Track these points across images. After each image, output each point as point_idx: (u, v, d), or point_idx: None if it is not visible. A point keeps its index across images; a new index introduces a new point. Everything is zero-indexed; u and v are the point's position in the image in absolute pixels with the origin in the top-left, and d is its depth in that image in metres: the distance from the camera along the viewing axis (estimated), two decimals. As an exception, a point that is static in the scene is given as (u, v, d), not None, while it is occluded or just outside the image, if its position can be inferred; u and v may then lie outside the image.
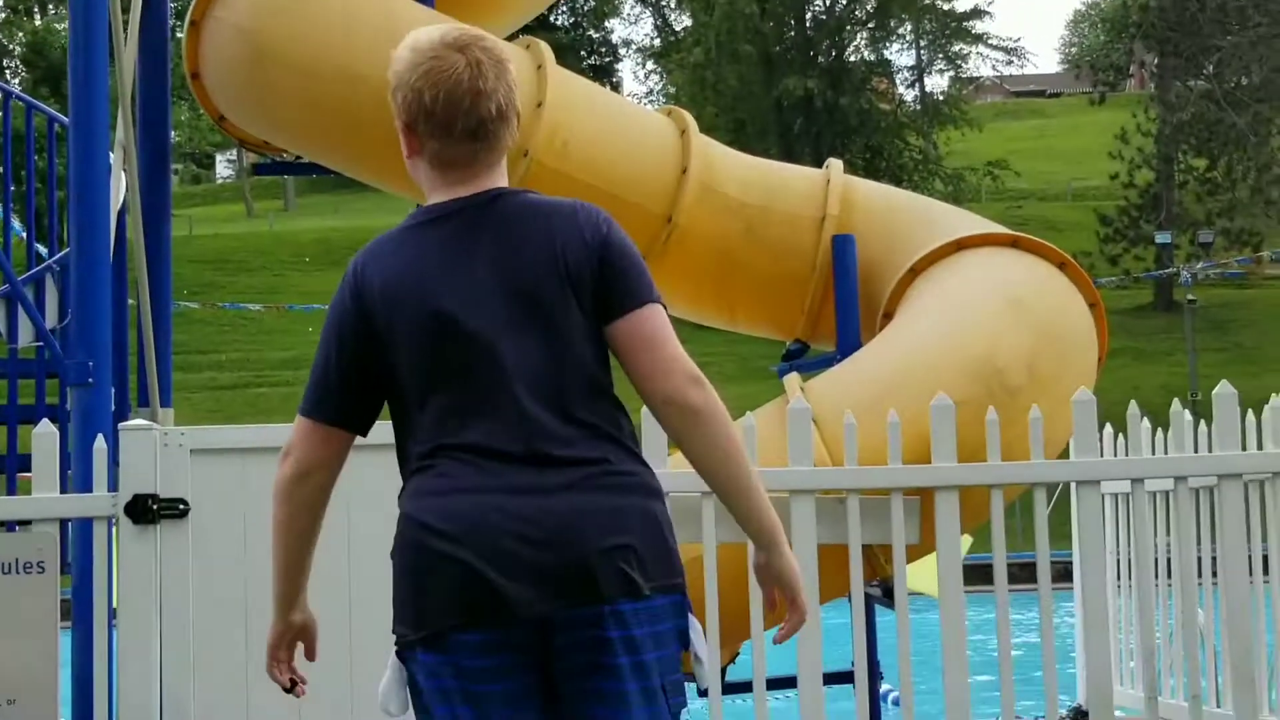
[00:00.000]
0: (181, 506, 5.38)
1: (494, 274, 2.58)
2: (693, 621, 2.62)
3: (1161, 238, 45.13)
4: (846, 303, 6.78)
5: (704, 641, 2.60)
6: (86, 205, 5.93)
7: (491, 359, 2.58)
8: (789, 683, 5.97)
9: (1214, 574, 6.06)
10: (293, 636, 2.84)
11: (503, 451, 2.55)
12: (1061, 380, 6.37)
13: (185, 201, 61.29)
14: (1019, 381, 6.31)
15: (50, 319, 6.59)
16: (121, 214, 6.74)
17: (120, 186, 6.74)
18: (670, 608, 2.56)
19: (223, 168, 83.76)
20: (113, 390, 6.05)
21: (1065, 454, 6.05)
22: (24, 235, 7.84)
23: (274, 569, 2.77)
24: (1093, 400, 5.73)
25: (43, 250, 7.72)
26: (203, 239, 56.23)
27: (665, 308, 2.66)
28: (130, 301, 7.15)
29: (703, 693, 5.96)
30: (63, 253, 6.76)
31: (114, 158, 6.41)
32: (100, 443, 5.54)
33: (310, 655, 2.79)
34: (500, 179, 2.69)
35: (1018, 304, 6.57)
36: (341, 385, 2.67)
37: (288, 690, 2.86)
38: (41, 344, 6.58)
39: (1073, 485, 5.86)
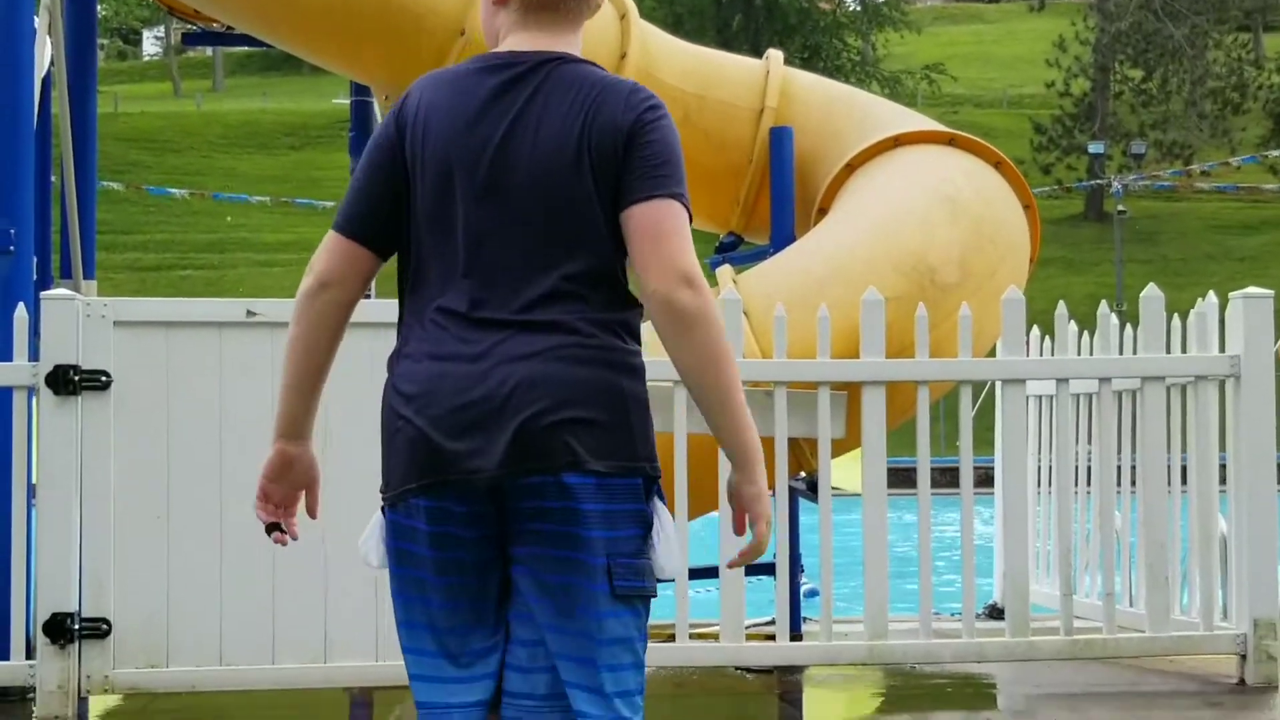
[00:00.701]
0: (104, 379, 5.31)
1: (522, 137, 2.53)
2: (658, 508, 2.57)
3: (1094, 147, 45.38)
4: (782, 196, 6.76)
5: (666, 532, 2.56)
6: (8, 67, 5.77)
7: (488, 222, 2.53)
8: (711, 573, 6.02)
9: (1133, 482, 6.15)
10: (287, 470, 2.73)
11: (477, 318, 2.52)
12: (993, 279, 6.39)
13: (111, 78, 60.13)
14: (950, 279, 6.33)
15: (-30, 185, 6.44)
16: (45, 84, 6.58)
17: (45, 54, 6.58)
18: (627, 490, 2.51)
19: (150, 44, 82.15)
20: (34, 260, 5.93)
21: (993, 354, 6.09)
22: None
23: (282, 386, 2.70)
24: (1022, 300, 5.76)
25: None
26: (129, 117, 55.29)
27: (689, 211, 2.59)
28: (53, 179, 7.01)
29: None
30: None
31: (39, 23, 6.24)
32: (21, 311, 5.45)
33: (312, 512, 2.68)
34: (573, 46, 2.65)
35: (952, 202, 6.58)
36: (371, 204, 2.59)
37: (268, 533, 2.75)
38: (-39, 210, 6.43)
39: (999, 384, 5.90)
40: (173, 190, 38.34)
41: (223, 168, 52.43)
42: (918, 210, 6.54)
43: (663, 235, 2.51)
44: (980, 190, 6.73)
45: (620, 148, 2.54)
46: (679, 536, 2.59)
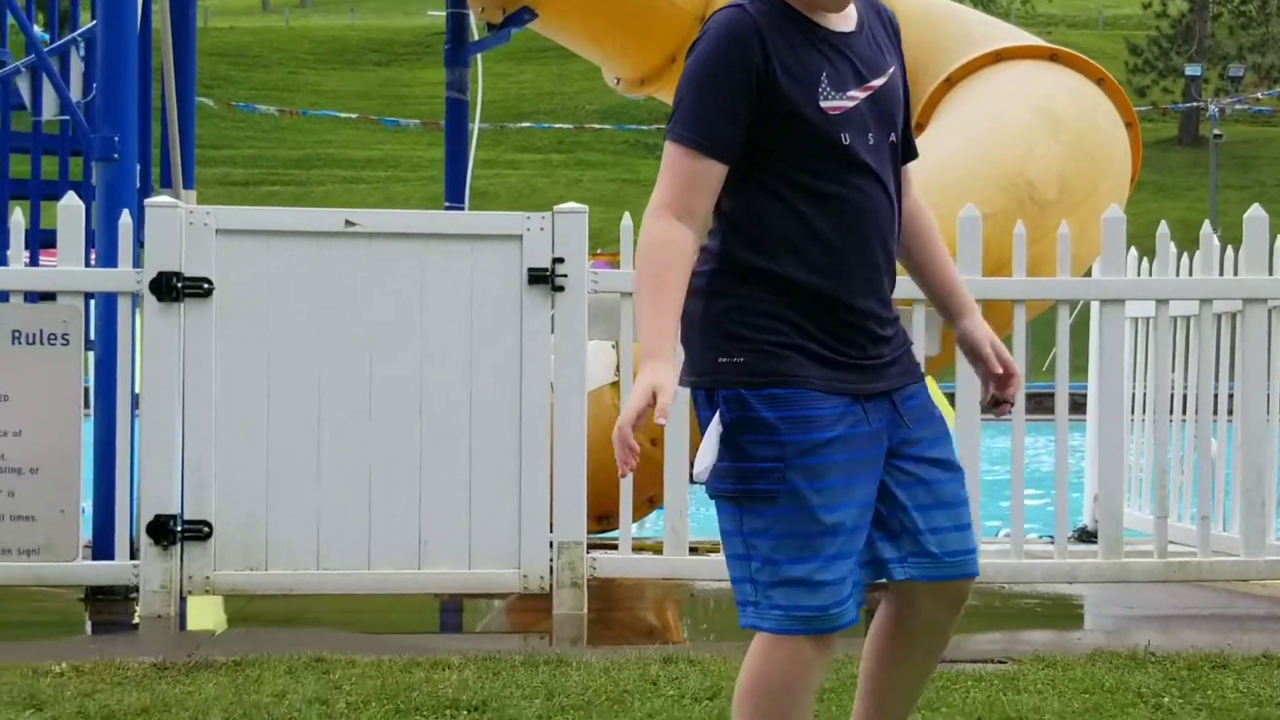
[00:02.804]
0: (206, 286, 5.39)
1: None
2: (712, 419, 2.61)
3: (1191, 70, 44.44)
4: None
5: (711, 440, 2.60)
6: (114, -25, 5.82)
7: None
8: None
9: (1229, 410, 6.08)
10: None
11: None
12: (1092, 197, 6.31)
13: (201, -7, 60.27)
14: (1049, 195, 6.25)
15: (75, 95, 6.52)
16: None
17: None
18: (697, 400, 2.66)
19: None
20: (138, 168, 6.00)
21: (1089, 275, 6.02)
22: None
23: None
24: (1122, 218, 5.68)
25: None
26: (218, 31, 55.55)
27: (681, 142, 2.59)
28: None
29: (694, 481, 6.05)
30: (87, 27, 6.66)
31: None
32: (126, 218, 5.53)
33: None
34: None
35: (1053, 118, 6.48)
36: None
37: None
38: (66, 118, 6.52)
39: (1096, 305, 5.84)
40: (261, 106, 38.54)
41: (310, 84, 52.67)
42: (1018, 125, 6.45)
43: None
44: (1082, 106, 6.63)
45: None
46: (713, 446, 2.60)
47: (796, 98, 2.57)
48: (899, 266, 2.76)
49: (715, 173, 2.58)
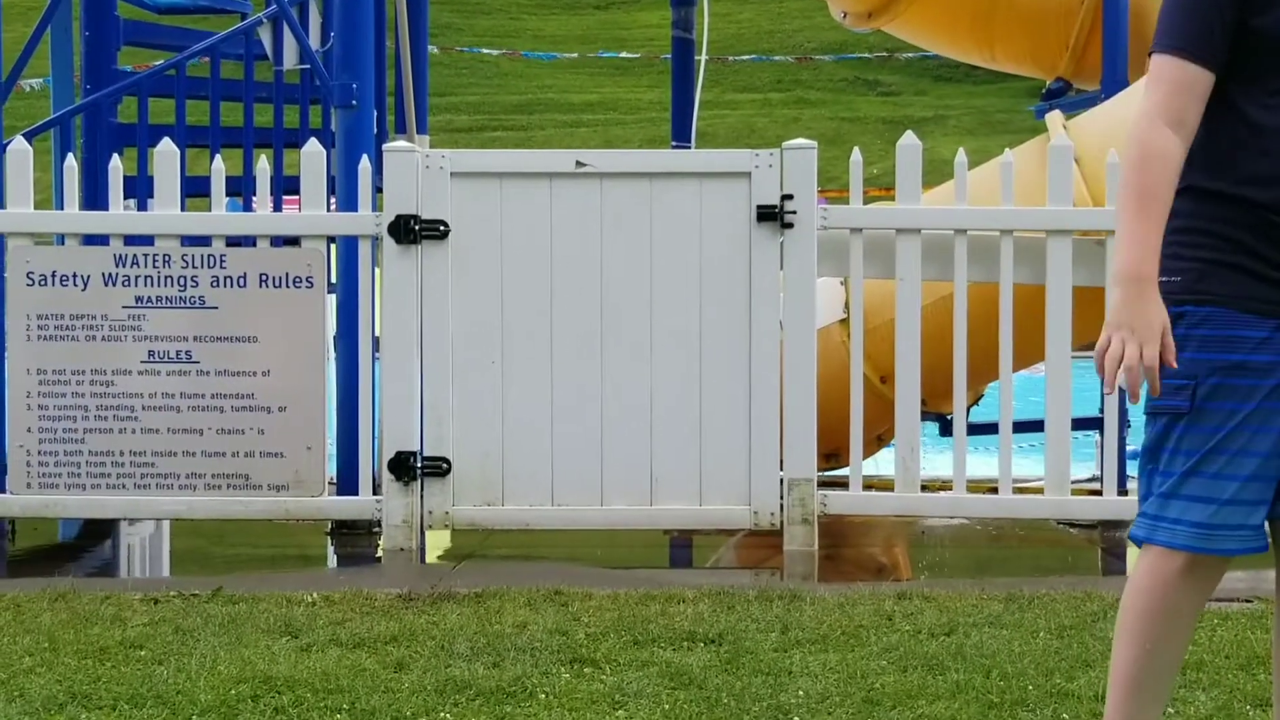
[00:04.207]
0: (442, 228, 5.51)
1: None
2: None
3: None
4: (1115, 39, 6.50)
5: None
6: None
7: None
8: (1036, 426, 5.94)
9: None
10: None
11: None
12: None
13: (424, -58, 61.14)
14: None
15: (313, 44, 6.70)
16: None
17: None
18: None
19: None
20: (375, 114, 6.16)
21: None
22: None
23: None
24: None
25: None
26: (440, -20, 56.27)
27: (1171, 51, 2.58)
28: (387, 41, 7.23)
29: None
30: (325, -24, 6.83)
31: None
32: (365, 163, 5.68)
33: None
34: None
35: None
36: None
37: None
38: (306, 67, 6.72)
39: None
40: (485, 50, 39.00)
41: (530, 29, 53.18)
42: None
43: None
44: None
45: None
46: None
47: (1270, 5, 2.55)
48: None
49: (1204, 81, 2.57)
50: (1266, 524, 2.65)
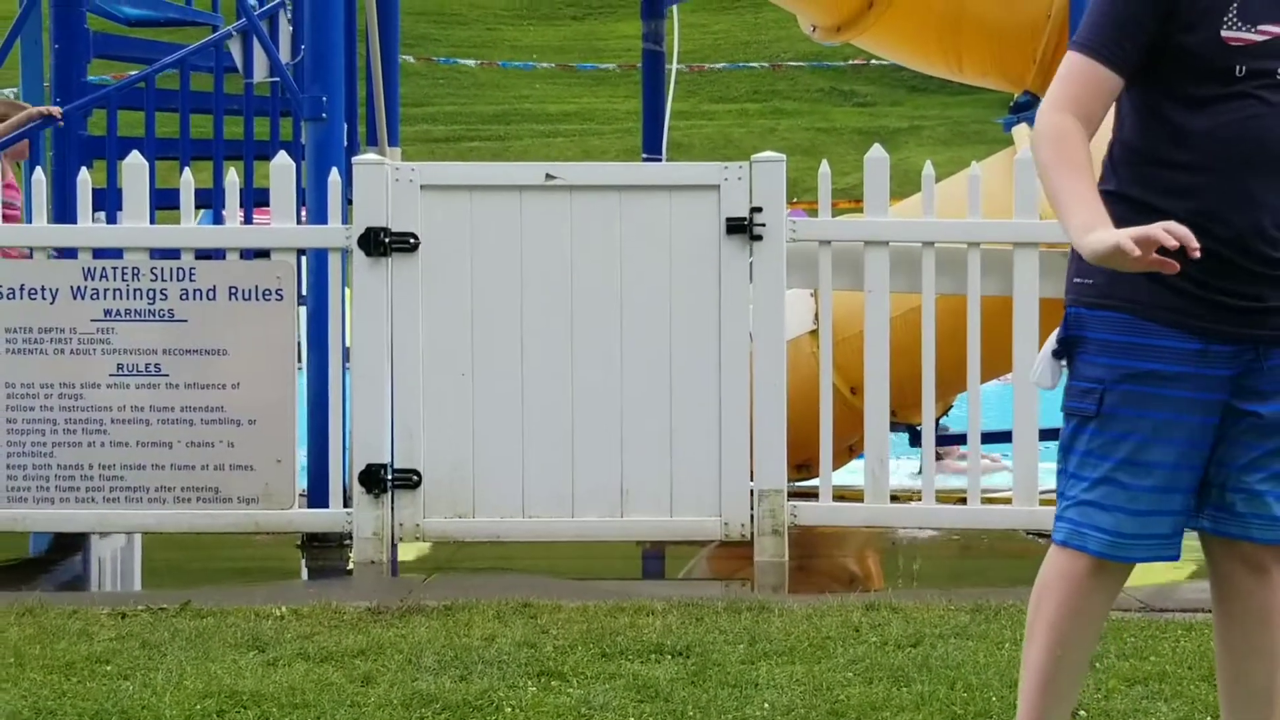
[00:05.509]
0: (412, 240, 5.52)
1: None
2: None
3: None
4: (1082, 53, 6.55)
5: (1044, 349, 2.72)
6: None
7: None
8: (1004, 437, 5.97)
9: None
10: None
11: None
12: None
13: (400, -47, 61.10)
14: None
15: (284, 56, 6.71)
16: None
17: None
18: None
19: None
20: (345, 127, 6.16)
21: None
22: None
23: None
24: None
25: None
26: (418, -10, 56.32)
27: (1080, 49, 2.63)
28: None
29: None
30: (295, -10, 6.83)
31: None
32: (334, 176, 5.68)
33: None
34: None
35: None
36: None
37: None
38: (276, 79, 6.72)
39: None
40: (462, 60, 38.97)
41: (508, 39, 53.20)
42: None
43: None
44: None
45: None
46: (1045, 359, 2.68)
47: (1195, 23, 2.58)
48: None
49: (1110, 82, 2.61)
50: (1185, 534, 2.70)
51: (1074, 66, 2.63)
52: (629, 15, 47.00)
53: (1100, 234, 2.45)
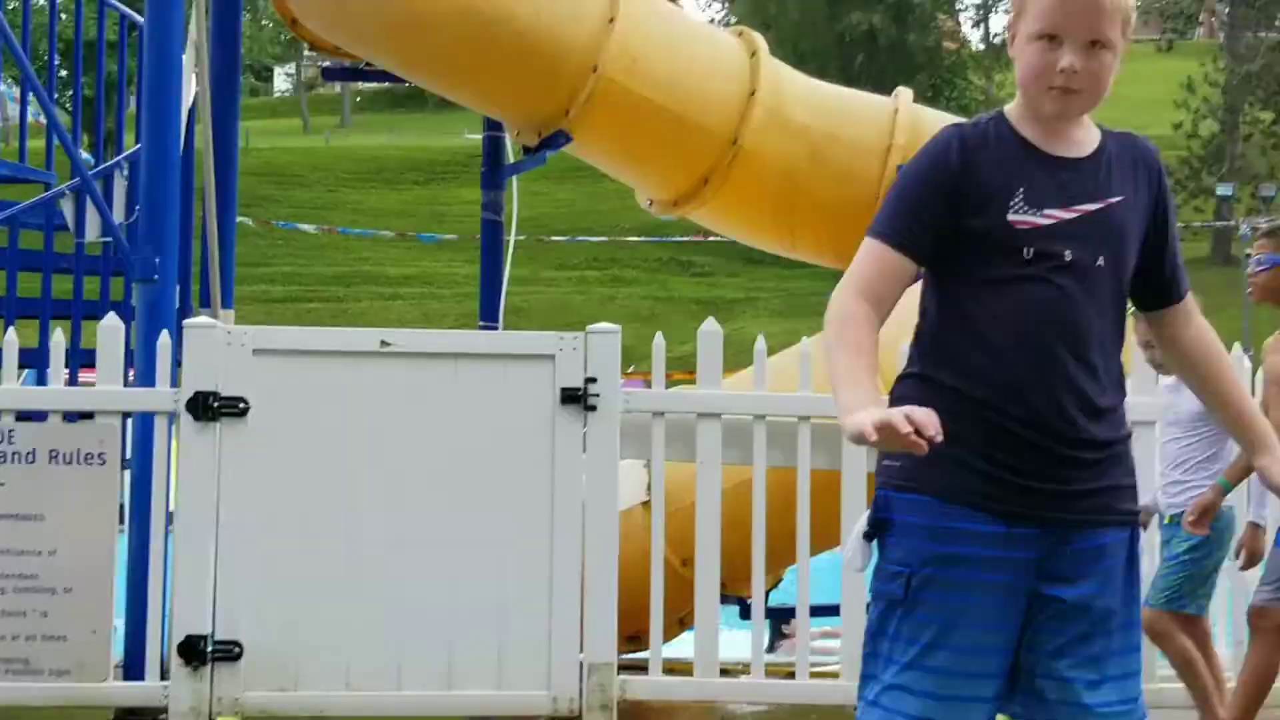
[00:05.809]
0: (242, 405, 5.43)
1: None
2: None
3: (1223, 190, 44.57)
4: (909, 234, 6.75)
5: (855, 530, 2.74)
6: (159, 102, 5.96)
7: None
8: (834, 610, 6.00)
9: None
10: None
11: None
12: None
13: (243, 114, 61.22)
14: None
15: (117, 216, 6.64)
16: (190, 118, 6.76)
17: (190, 89, 6.76)
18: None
19: (281, 81, 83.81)
20: (177, 288, 6.09)
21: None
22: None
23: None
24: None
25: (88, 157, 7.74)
26: (259, 152, 56.33)
27: (875, 235, 2.71)
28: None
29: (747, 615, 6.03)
30: (131, 150, 6.80)
31: (185, 59, 6.42)
32: (164, 338, 5.60)
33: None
34: None
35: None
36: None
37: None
38: (108, 239, 6.64)
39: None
40: (301, 225, 38.97)
41: (349, 203, 53.29)
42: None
43: None
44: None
45: None
46: (856, 541, 2.71)
47: (982, 208, 2.66)
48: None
49: (902, 267, 2.67)
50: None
51: (868, 252, 2.71)
52: (471, 181, 47.51)
53: (857, 415, 2.49)
